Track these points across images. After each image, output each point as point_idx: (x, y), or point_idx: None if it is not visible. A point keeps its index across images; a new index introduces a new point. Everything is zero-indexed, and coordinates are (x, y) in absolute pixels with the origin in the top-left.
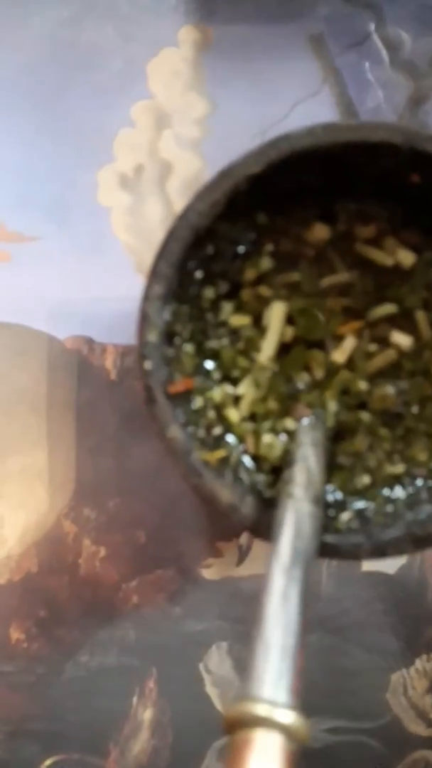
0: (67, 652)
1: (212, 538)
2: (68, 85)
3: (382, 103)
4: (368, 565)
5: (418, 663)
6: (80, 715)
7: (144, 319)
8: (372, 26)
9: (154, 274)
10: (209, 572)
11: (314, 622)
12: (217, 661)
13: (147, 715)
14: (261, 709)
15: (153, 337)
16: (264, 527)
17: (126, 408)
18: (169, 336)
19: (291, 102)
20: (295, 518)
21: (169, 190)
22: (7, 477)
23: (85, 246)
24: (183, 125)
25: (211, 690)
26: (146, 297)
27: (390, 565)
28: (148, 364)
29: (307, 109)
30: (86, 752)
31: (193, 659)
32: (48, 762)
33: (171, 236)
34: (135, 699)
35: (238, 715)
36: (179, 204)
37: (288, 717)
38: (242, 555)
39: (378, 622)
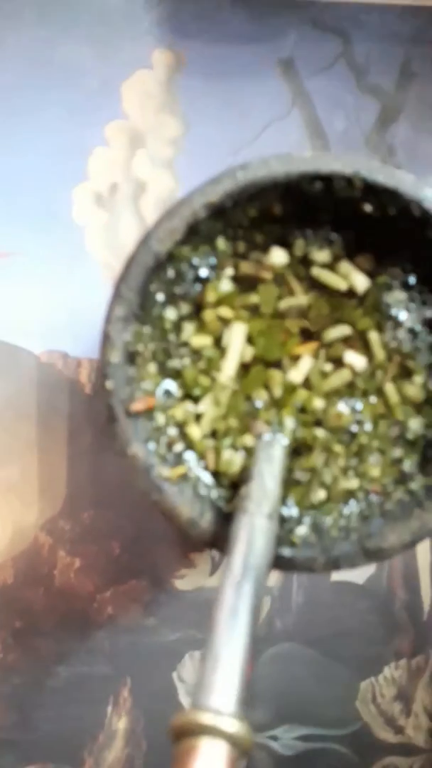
0: (42, 663)
1: (185, 548)
2: (44, 104)
3: (351, 125)
4: (337, 576)
5: (387, 671)
6: (55, 724)
7: (106, 340)
8: (340, 50)
9: (115, 297)
10: (182, 582)
11: (285, 631)
12: (190, 671)
13: (121, 724)
14: (206, 718)
15: (115, 357)
16: (223, 541)
17: (100, 421)
18: (131, 356)
19: (262, 123)
20: (249, 533)
21: (142, 208)
22: None
23: (61, 262)
24: (156, 145)
25: (184, 699)
26: (108, 319)
27: (359, 576)
28: (110, 384)
29: (277, 130)
30: (61, 762)
31: (166, 669)
32: None
33: (132, 261)
34: (109, 708)
35: (183, 723)
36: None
37: (232, 726)
38: (215, 565)
39: (347, 631)
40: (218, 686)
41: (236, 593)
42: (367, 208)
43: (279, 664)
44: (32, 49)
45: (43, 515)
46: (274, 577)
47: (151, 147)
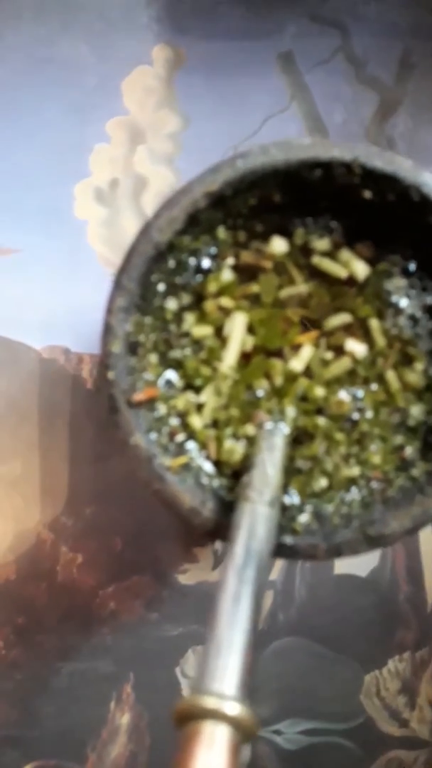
0: (45, 659)
1: (188, 543)
2: (44, 102)
3: (350, 117)
4: (340, 568)
5: (391, 664)
6: (58, 720)
7: (107, 331)
8: (338, 43)
9: (116, 288)
10: (185, 577)
11: (288, 625)
12: (193, 666)
13: (124, 720)
14: (209, 702)
15: (116, 348)
16: (225, 530)
17: (102, 416)
18: (132, 346)
19: (261, 117)
20: (251, 521)
21: (143, 203)
22: None
23: (62, 258)
24: (157, 140)
25: (188, 694)
26: (109, 309)
27: (362, 568)
28: (111, 374)
29: (277, 124)
30: (64, 758)
31: (169, 664)
32: None
33: (133, 251)
34: (112, 704)
35: (187, 707)
36: None
37: (235, 709)
38: (217, 559)
39: (351, 624)
40: (221, 671)
41: (239, 579)
42: (367, 194)
43: (282, 658)
44: (32, 47)
45: (46, 512)
46: (277, 571)
47: (152, 143)
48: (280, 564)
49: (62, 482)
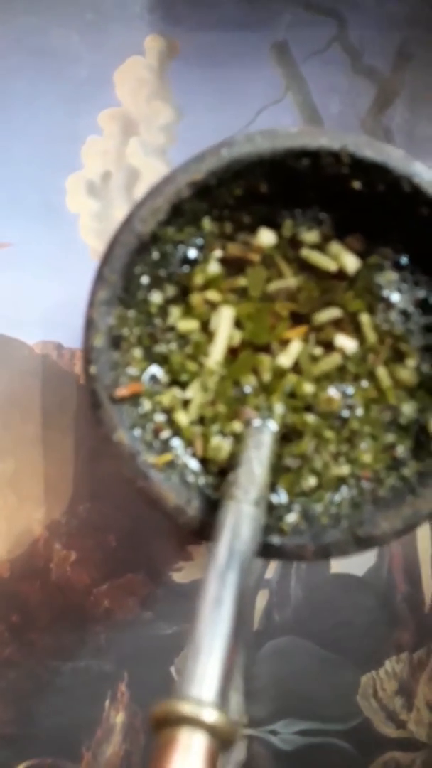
0: (39, 657)
1: (182, 541)
2: (36, 93)
3: (346, 108)
4: (337, 568)
5: (388, 664)
6: (53, 719)
7: (89, 325)
8: (334, 33)
9: (98, 280)
10: (180, 575)
11: (284, 625)
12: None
13: (119, 718)
14: (186, 708)
15: (98, 341)
16: (210, 529)
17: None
18: (115, 341)
19: (255, 109)
20: (235, 520)
21: (136, 196)
22: None
23: (54, 252)
24: (149, 132)
25: None
26: (91, 303)
27: (359, 567)
28: (93, 369)
29: (271, 116)
30: (59, 756)
31: (164, 662)
32: (21, 767)
33: (115, 242)
34: (107, 703)
35: (164, 713)
36: None
37: (212, 716)
38: None
39: (347, 624)
40: (199, 676)
41: (220, 583)
42: (356, 185)
43: (278, 658)
44: (23, 37)
45: (46, 510)
46: (272, 570)
47: (144, 135)
48: (275, 563)
49: (61, 480)
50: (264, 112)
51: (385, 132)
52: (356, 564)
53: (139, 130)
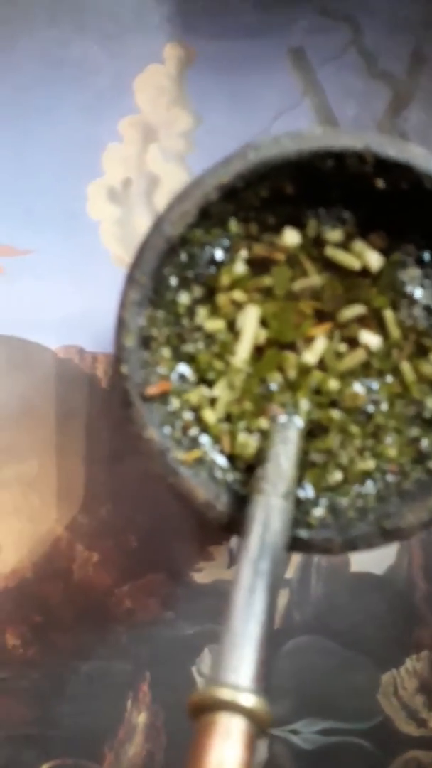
0: (61, 657)
1: (203, 541)
2: (57, 102)
3: (362, 112)
4: (357, 566)
5: (408, 663)
6: (75, 719)
7: (121, 325)
8: (349, 38)
9: (129, 282)
10: (200, 576)
11: (304, 624)
12: (209, 664)
13: (141, 719)
14: (224, 693)
15: (130, 341)
16: (239, 524)
17: (117, 415)
18: (145, 341)
19: (273, 114)
20: (265, 513)
21: (156, 202)
22: (1, 485)
23: (76, 258)
24: (169, 139)
25: None
26: (122, 304)
27: (378, 566)
28: (124, 368)
29: (288, 121)
30: (81, 757)
31: (186, 663)
32: (44, 767)
33: (145, 245)
34: (129, 703)
35: (202, 699)
36: None
37: (250, 701)
38: (233, 558)
39: (367, 623)
40: (236, 662)
41: (253, 572)
42: (380, 183)
43: (298, 657)
44: (44, 49)
45: (63, 511)
46: (293, 569)
47: (164, 141)
48: (295, 562)
49: (79, 482)
50: (281, 118)
51: (400, 134)
52: (376, 563)
53: (158, 137)
